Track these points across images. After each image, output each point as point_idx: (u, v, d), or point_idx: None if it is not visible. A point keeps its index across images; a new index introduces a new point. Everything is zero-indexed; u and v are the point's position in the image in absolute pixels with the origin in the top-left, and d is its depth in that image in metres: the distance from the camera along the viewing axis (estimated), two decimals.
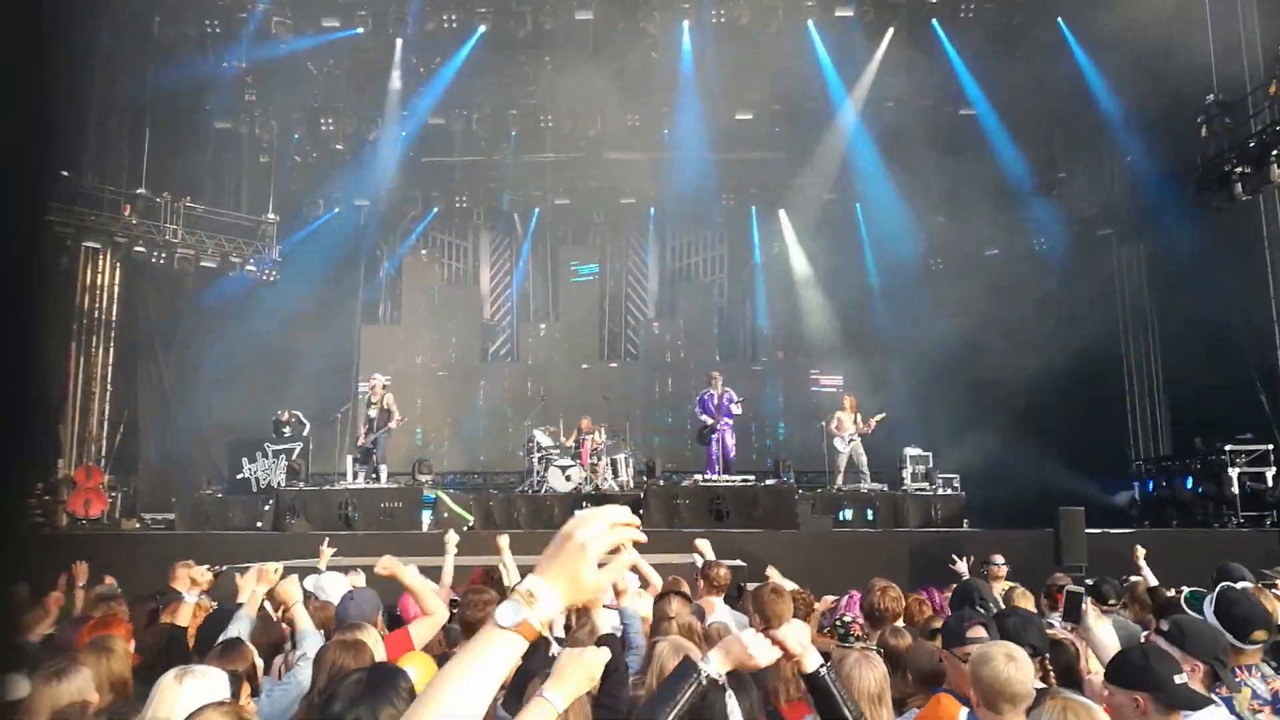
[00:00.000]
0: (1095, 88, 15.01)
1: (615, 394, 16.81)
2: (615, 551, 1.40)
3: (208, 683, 2.73)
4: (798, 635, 2.48)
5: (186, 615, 4.38)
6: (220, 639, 3.87)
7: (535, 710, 1.90)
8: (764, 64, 16.30)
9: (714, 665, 2.29)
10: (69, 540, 12.00)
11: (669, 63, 16.45)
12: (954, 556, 8.00)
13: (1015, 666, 2.77)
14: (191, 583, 5.81)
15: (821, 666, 2.46)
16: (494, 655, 1.28)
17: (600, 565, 1.37)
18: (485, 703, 1.26)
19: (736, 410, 13.68)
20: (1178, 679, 2.86)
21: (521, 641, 1.30)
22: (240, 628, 4.10)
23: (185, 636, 4.18)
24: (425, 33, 15.74)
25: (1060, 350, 15.34)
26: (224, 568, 8.15)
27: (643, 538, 1.43)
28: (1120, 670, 2.96)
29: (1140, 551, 6.82)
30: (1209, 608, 3.74)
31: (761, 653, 2.29)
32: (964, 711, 3.02)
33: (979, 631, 3.17)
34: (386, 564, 4.53)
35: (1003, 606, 4.75)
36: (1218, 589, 3.78)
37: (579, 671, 1.93)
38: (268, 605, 4.41)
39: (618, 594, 4.24)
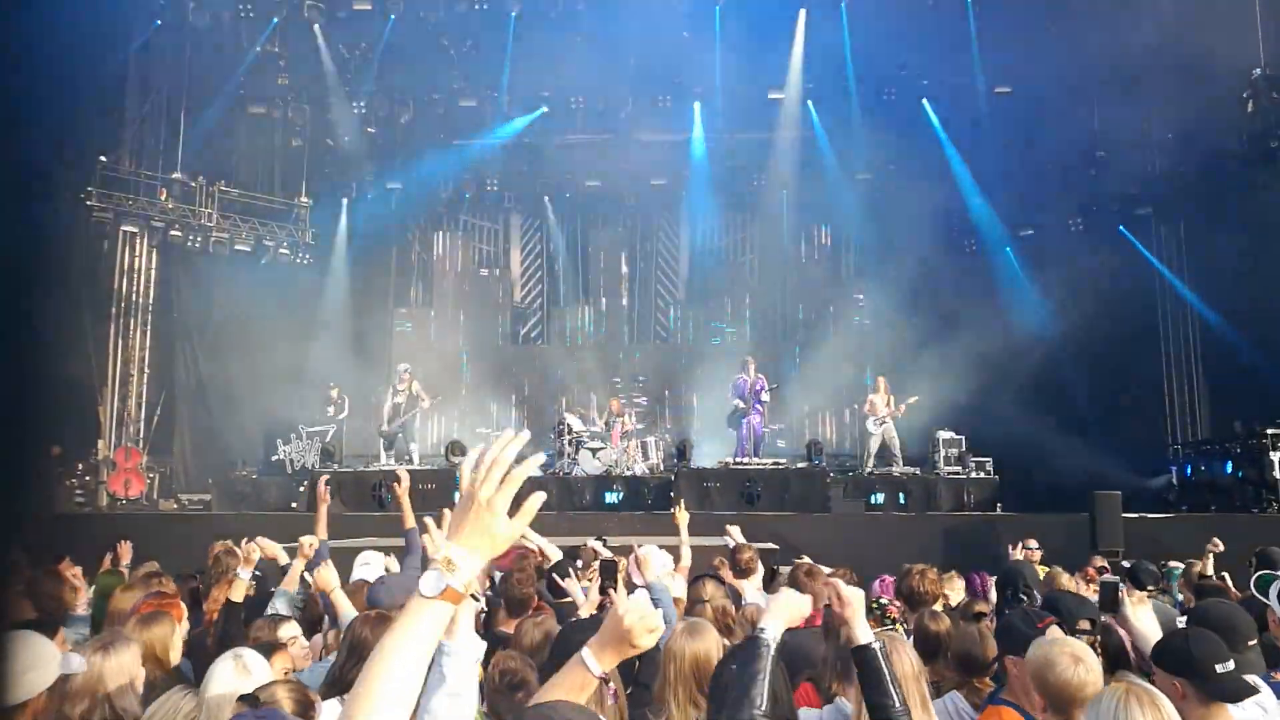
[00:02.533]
0: (1136, 63, 14.67)
1: (647, 376, 16.80)
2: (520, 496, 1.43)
3: (257, 668, 2.79)
4: (855, 595, 2.49)
5: (240, 591, 4.47)
6: (266, 614, 3.95)
7: (572, 673, 1.82)
8: (796, 43, 16.13)
9: (772, 631, 2.30)
10: (110, 520, 12.24)
11: (701, 42, 16.31)
12: (1010, 545, 7.95)
13: (1084, 668, 2.66)
14: (245, 560, 5.93)
15: (875, 643, 2.43)
16: (423, 625, 1.34)
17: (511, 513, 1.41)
18: (421, 670, 1.33)
19: (766, 398, 13.64)
20: (1220, 667, 2.76)
21: (449, 608, 1.35)
22: (280, 604, 4.17)
23: (240, 612, 4.27)
24: (457, 15, 15.73)
25: (1097, 332, 15.13)
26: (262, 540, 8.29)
27: (540, 460, 1.49)
28: (1163, 654, 2.89)
29: (1218, 547, 6.76)
30: (1275, 590, 3.69)
31: (801, 605, 2.35)
32: None
33: (1057, 632, 2.98)
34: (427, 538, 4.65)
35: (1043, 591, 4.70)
36: None
37: (623, 635, 1.80)
38: (309, 578, 4.50)
39: (640, 567, 4.20)
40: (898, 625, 4.32)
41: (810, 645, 3.63)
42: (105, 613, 5.33)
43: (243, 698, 2.42)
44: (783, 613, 2.37)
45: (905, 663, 2.76)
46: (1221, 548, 6.72)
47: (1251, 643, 3.41)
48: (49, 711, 2.67)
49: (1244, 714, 2.85)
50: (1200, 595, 5.28)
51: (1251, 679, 2.96)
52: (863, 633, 2.44)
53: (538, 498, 1.46)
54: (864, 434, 13.66)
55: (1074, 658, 2.69)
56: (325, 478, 5.98)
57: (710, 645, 2.85)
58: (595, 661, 1.79)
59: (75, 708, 2.73)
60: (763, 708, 2.16)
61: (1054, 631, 2.99)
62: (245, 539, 5.19)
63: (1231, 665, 2.79)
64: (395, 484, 5.24)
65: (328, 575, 4.09)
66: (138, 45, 15.64)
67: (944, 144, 17.67)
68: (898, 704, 2.36)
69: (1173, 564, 6.51)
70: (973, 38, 15.76)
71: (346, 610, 3.96)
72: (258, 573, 4.72)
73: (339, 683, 3.00)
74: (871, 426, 13.49)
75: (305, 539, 4.57)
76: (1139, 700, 2.32)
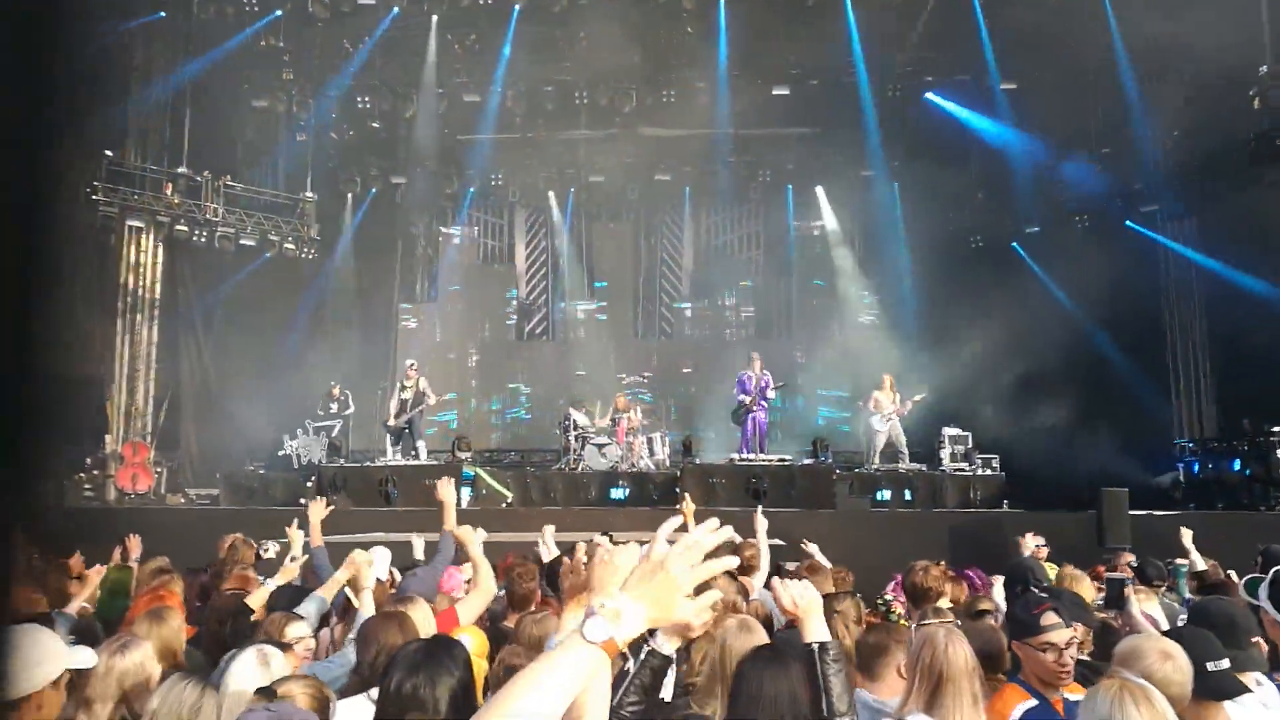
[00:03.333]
0: (1142, 59, 14.63)
1: (651, 372, 16.80)
2: (707, 585, 1.43)
3: (277, 663, 2.81)
4: (797, 593, 2.41)
5: (259, 598, 4.50)
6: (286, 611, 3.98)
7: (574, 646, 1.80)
8: (800, 39, 16.11)
9: (817, 635, 2.32)
10: (118, 514, 12.28)
11: (704, 38, 16.29)
12: (1018, 539, 7.94)
13: (1173, 665, 2.68)
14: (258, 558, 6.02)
15: (818, 644, 2.34)
16: (575, 666, 1.31)
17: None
18: (561, 709, 1.28)
19: (772, 395, 13.64)
20: (1212, 665, 2.77)
21: (604, 657, 1.32)
22: (309, 609, 4.18)
23: (250, 612, 4.29)
24: (461, 9, 15.71)
25: (1103, 329, 15.10)
26: (267, 546, 8.32)
27: (733, 564, 1.48)
28: None
29: (1187, 534, 6.70)
30: (1264, 591, 3.68)
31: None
32: (1025, 704, 2.96)
33: (1053, 618, 3.06)
34: (460, 533, 4.68)
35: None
36: (1272, 572, 3.71)
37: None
38: (348, 591, 4.50)
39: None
40: (902, 621, 4.33)
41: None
42: (113, 608, 5.37)
43: (259, 691, 2.43)
44: (816, 614, 2.34)
45: (959, 657, 2.69)
46: (1190, 533, 6.66)
47: (1254, 639, 3.41)
48: (57, 706, 2.68)
49: (1245, 711, 2.86)
50: (1203, 593, 5.28)
51: (1251, 676, 2.96)
52: (813, 630, 2.37)
53: (715, 595, 1.47)
54: (869, 430, 13.63)
55: (1164, 654, 2.71)
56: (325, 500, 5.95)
57: (762, 640, 2.88)
58: (666, 642, 1.86)
59: (94, 710, 2.74)
60: (840, 709, 2.18)
61: (1052, 617, 3.04)
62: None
63: (1225, 664, 2.80)
64: (438, 488, 5.21)
65: (368, 571, 4.13)
66: (141, 39, 15.65)
67: (949, 140, 17.65)
68: (829, 711, 2.25)
69: (1179, 561, 6.51)
70: (980, 32, 15.69)
71: (370, 608, 4.01)
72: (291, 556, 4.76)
73: (358, 682, 3.02)
74: (877, 424, 13.48)
75: (361, 557, 4.45)
76: (1134, 697, 2.32)
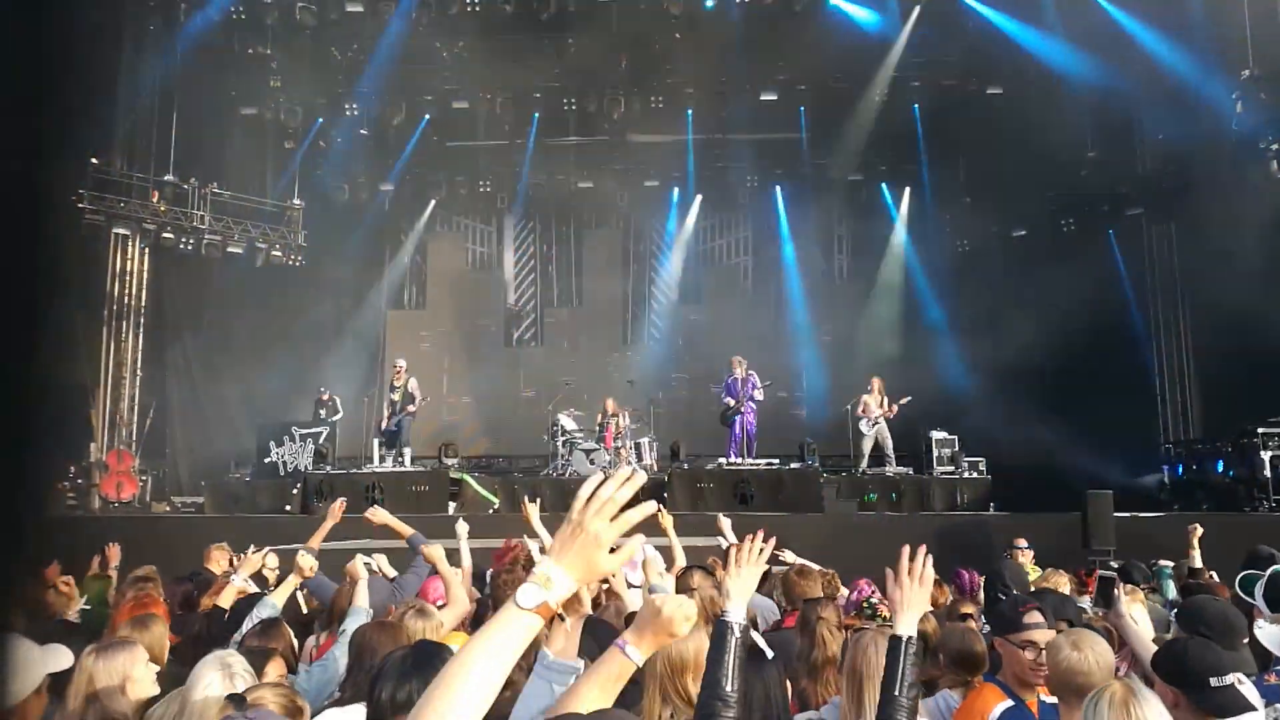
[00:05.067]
0: (1127, 63, 14.72)
1: (639, 377, 16.81)
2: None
3: (242, 673, 2.78)
4: (744, 575, 2.45)
5: (229, 597, 4.47)
6: (256, 619, 3.95)
7: (610, 662, 1.85)
8: (788, 44, 16.17)
9: (735, 612, 2.33)
10: (102, 523, 12.20)
11: (692, 44, 16.33)
12: (1014, 543, 7.95)
13: (1079, 655, 2.73)
14: (232, 565, 5.95)
15: (736, 622, 2.32)
16: (514, 634, 1.36)
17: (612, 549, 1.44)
18: (502, 677, 1.34)
19: (760, 395, 13.64)
20: (1216, 681, 2.71)
21: (539, 621, 1.38)
22: (263, 614, 4.17)
23: (224, 618, 4.27)
24: (449, 16, 15.70)
25: (1089, 332, 15.17)
26: (266, 549, 8.28)
27: (651, 509, 1.51)
28: (1161, 660, 2.88)
29: (1197, 531, 6.68)
30: (1259, 590, 3.70)
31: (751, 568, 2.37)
32: (1002, 704, 2.98)
33: (1036, 616, 3.09)
34: (429, 553, 4.68)
35: (1030, 590, 4.73)
36: (1270, 571, 3.72)
37: (660, 624, 1.84)
38: (299, 596, 4.50)
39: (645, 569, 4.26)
40: (889, 622, 4.33)
41: (791, 642, 3.67)
42: (93, 616, 5.33)
43: (230, 698, 2.42)
44: (738, 588, 2.38)
45: (877, 656, 2.72)
46: (1200, 531, 6.67)
47: (1245, 640, 3.42)
48: (40, 710, 2.66)
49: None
50: (1187, 593, 5.30)
51: (1246, 688, 2.93)
52: (732, 609, 2.35)
53: (637, 541, 1.51)
54: (857, 434, 13.66)
55: (1074, 644, 2.77)
56: (343, 500, 5.98)
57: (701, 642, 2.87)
58: (636, 650, 1.85)
59: (69, 709, 2.73)
60: (729, 690, 2.18)
61: (1035, 616, 3.07)
62: (252, 548, 5.22)
63: (1229, 680, 2.74)
64: (371, 517, 5.26)
65: (356, 565, 4.12)
66: (130, 47, 15.61)
67: (934, 145, 17.76)
68: (723, 686, 2.22)
69: (1163, 563, 6.54)
70: (966, 38, 15.78)
71: (360, 604, 4.00)
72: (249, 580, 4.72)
73: (348, 694, 3.01)
74: (864, 427, 13.50)
75: (305, 560, 4.55)
76: (1132, 701, 2.33)
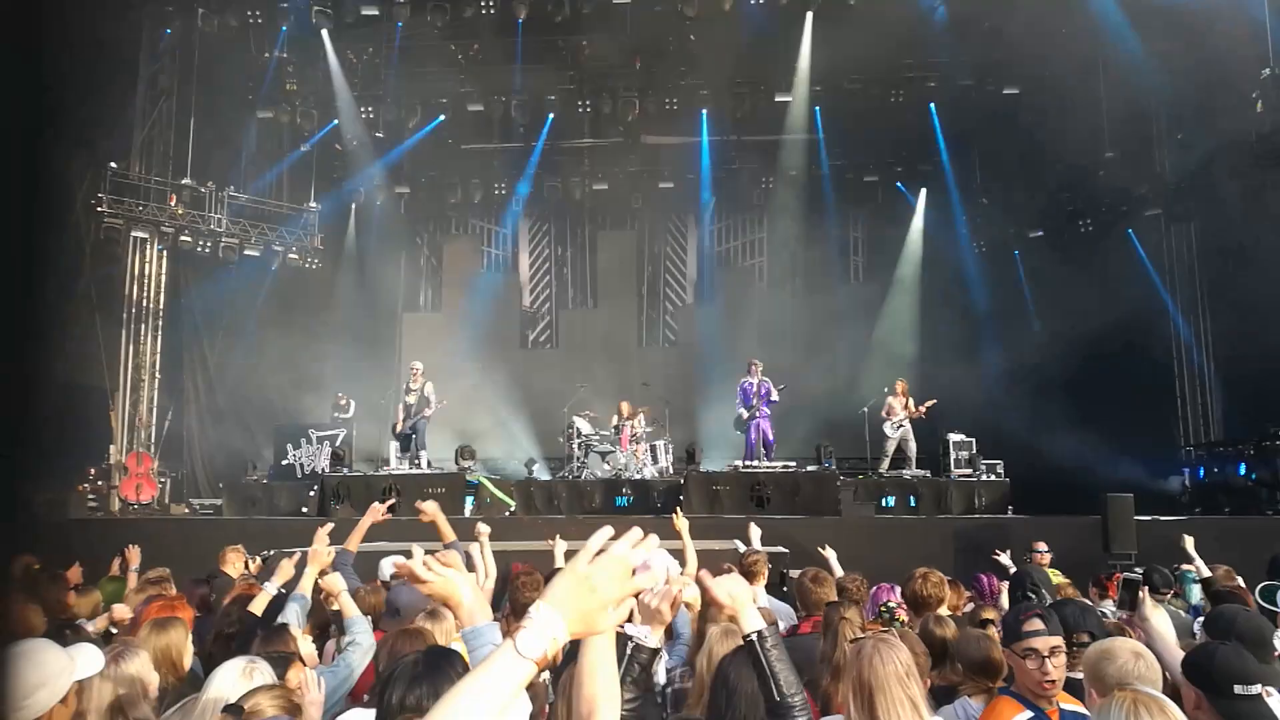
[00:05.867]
0: (1145, 63, 14.59)
1: (655, 379, 16.78)
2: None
3: (262, 674, 2.78)
4: (729, 587, 2.40)
5: (261, 603, 4.47)
6: (267, 624, 3.95)
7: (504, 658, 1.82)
8: (803, 46, 16.12)
9: (752, 623, 2.33)
10: (121, 525, 12.28)
11: (707, 46, 16.31)
12: (996, 550, 7.91)
13: (1144, 664, 2.70)
14: (248, 568, 5.96)
15: (756, 633, 2.34)
16: (509, 678, 1.33)
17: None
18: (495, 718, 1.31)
19: (776, 398, 13.60)
20: (1240, 688, 2.67)
21: (534, 669, 1.35)
22: (292, 611, 4.17)
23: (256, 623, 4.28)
24: (464, 20, 15.74)
25: (1109, 333, 15.04)
26: (272, 552, 8.32)
27: (658, 580, 1.51)
28: (1189, 664, 2.84)
29: (1188, 540, 6.63)
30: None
31: (660, 600, 2.16)
32: (1019, 716, 2.94)
33: (1036, 624, 3.06)
34: (447, 558, 4.61)
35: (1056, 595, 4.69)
36: None
37: (649, 610, 1.88)
38: (321, 583, 4.50)
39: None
40: (906, 628, 4.31)
41: (811, 648, 3.64)
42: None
43: (226, 709, 2.41)
44: (742, 605, 2.35)
45: (890, 663, 2.68)
46: (1191, 541, 6.57)
47: (1277, 654, 3.35)
48: (66, 718, 2.65)
49: None
50: (1216, 599, 5.22)
51: (1275, 701, 2.88)
52: (748, 621, 2.37)
53: (630, 604, 1.49)
54: (880, 436, 13.59)
55: (1135, 653, 2.74)
56: (391, 502, 5.90)
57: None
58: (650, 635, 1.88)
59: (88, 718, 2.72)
60: (788, 693, 2.21)
61: (1035, 623, 3.02)
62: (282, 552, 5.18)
63: (1256, 689, 2.68)
64: (421, 507, 5.17)
65: (334, 580, 4.08)
66: (147, 52, 15.74)
67: (951, 146, 17.66)
68: (778, 694, 2.28)
69: (1186, 568, 6.46)
70: (983, 38, 15.68)
71: (352, 614, 3.96)
72: (283, 589, 4.72)
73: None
74: (889, 429, 13.44)
75: (321, 548, 4.54)
76: (1147, 708, 2.30)
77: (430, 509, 5.07)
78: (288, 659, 3.26)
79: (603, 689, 1.80)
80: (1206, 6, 12.23)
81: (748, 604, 2.40)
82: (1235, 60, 12.61)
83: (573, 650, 1.90)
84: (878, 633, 3.10)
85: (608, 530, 1.46)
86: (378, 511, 5.43)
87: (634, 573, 1.43)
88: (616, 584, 1.40)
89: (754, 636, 2.34)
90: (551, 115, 17.90)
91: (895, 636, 2.93)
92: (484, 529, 5.61)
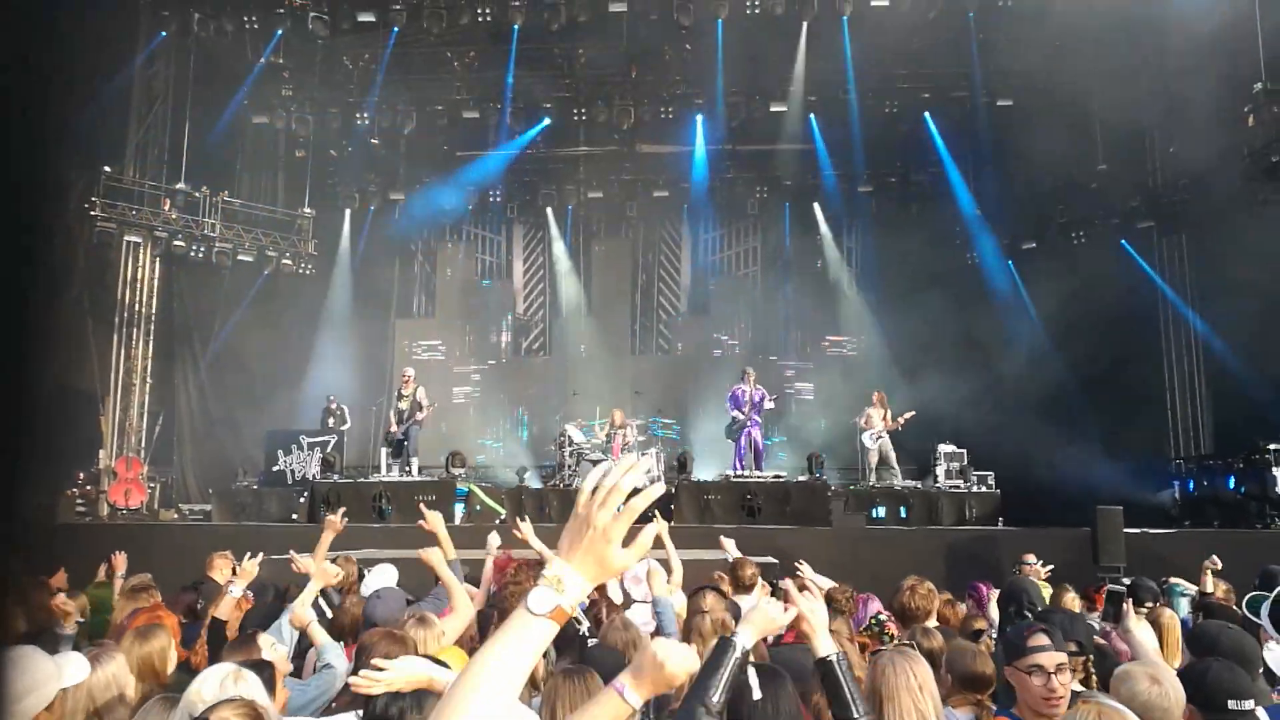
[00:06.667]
0: (1138, 76, 14.68)
1: (648, 388, 16.78)
2: (639, 521, 1.41)
3: (248, 684, 2.76)
4: (812, 606, 2.54)
5: (228, 609, 4.44)
6: (243, 634, 3.92)
7: (606, 704, 1.82)
8: (798, 55, 16.18)
9: (744, 637, 2.37)
10: (110, 530, 12.22)
11: (702, 55, 16.37)
12: (1022, 558, 7.85)
13: (1160, 691, 2.68)
14: (234, 574, 5.89)
15: (833, 655, 2.47)
16: (528, 639, 1.31)
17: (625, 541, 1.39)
18: (519, 685, 1.30)
19: (769, 407, 13.61)
20: (1233, 704, 2.70)
21: (554, 626, 1.33)
22: (283, 628, 4.14)
23: (224, 629, 4.24)
24: (461, 27, 15.77)
25: (1099, 346, 15.09)
26: (261, 557, 8.26)
27: (659, 490, 1.47)
28: (1184, 679, 2.84)
29: (1215, 565, 6.38)
30: (1265, 609, 3.64)
31: (782, 616, 2.44)
32: None
33: (1041, 639, 2.98)
34: (427, 555, 4.59)
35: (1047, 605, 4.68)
36: (1276, 591, 3.67)
37: (662, 675, 1.82)
38: (323, 603, 4.47)
39: (650, 580, 4.27)
40: (897, 641, 4.30)
41: (794, 658, 3.63)
42: (96, 624, 5.32)
43: None
44: (758, 623, 2.45)
45: (905, 676, 2.73)
46: (1219, 565, 6.46)
47: (1261, 670, 3.35)
48: None
49: None
50: (1207, 613, 5.22)
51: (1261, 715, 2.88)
52: (823, 646, 2.48)
53: (651, 530, 1.44)
54: (861, 447, 13.60)
55: (1152, 679, 2.72)
56: (343, 510, 5.87)
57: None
58: (635, 694, 1.81)
59: None
60: (715, 700, 2.19)
61: (1041, 639, 3.00)
62: (248, 553, 5.16)
63: (1248, 704, 2.71)
64: (426, 515, 5.13)
65: (301, 612, 4.05)
66: (142, 56, 15.73)
67: (945, 157, 17.73)
68: (857, 714, 2.41)
69: (1174, 581, 6.47)
70: (974, 51, 15.77)
71: (323, 641, 3.93)
72: (249, 590, 4.68)
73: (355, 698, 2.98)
74: (868, 441, 13.44)
75: (330, 567, 4.50)
76: None
77: (433, 521, 5.02)
78: (259, 666, 3.23)
79: None
80: (1199, 21, 12.30)
81: (823, 627, 2.52)
82: (1227, 74, 12.69)
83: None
84: (899, 644, 3.13)
85: (601, 467, 1.43)
86: (335, 525, 5.40)
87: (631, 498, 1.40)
88: (615, 515, 1.37)
89: (833, 658, 2.46)
90: (547, 122, 17.93)
91: (915, 651, 2.97)
92: (494, 541, 5.54)
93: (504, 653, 1.29)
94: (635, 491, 1.41)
